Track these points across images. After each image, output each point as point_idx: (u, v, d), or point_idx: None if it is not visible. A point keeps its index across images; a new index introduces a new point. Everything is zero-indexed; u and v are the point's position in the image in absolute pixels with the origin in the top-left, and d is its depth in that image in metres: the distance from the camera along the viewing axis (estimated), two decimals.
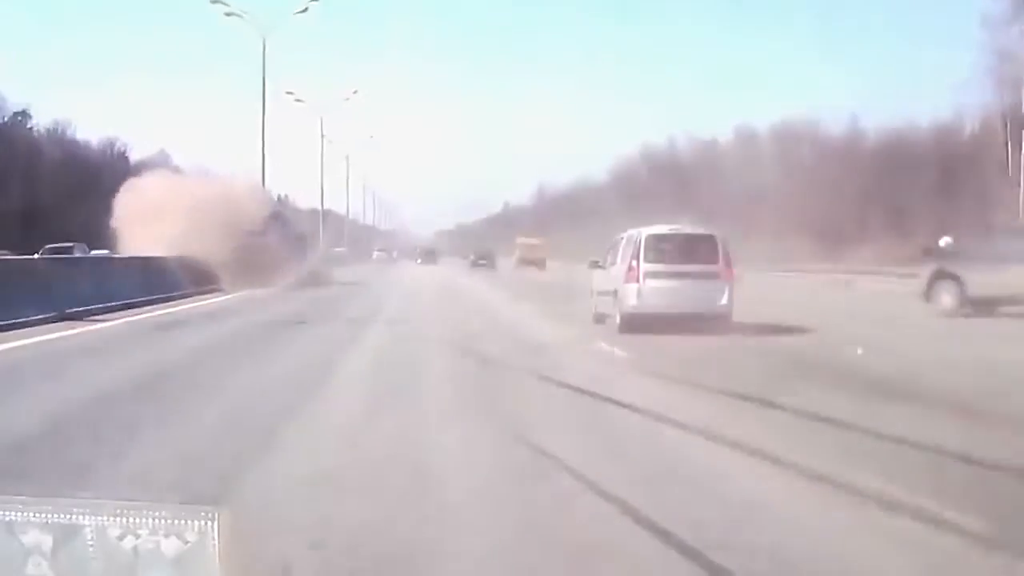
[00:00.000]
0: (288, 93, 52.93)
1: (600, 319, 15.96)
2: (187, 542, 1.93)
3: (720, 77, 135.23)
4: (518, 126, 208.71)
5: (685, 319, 13.97)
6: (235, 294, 24.76)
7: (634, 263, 14.41)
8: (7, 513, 1.92)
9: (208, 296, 24.20)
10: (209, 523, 1.94)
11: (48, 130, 60.22)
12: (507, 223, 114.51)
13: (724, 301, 14.19)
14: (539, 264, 60.44)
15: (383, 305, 22.79)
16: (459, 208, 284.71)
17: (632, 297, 14.34)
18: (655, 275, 14.31)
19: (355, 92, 56.50)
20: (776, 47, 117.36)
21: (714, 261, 14.41)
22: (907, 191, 51.53)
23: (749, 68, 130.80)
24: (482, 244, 74.59)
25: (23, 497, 1.93)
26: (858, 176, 55.81)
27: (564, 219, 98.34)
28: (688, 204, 44.05)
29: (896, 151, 57.91)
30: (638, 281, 14.30)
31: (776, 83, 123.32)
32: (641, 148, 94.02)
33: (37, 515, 1.92)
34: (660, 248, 14.53)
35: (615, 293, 14.81)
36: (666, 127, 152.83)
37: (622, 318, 14.50)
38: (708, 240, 14.72)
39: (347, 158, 74.09)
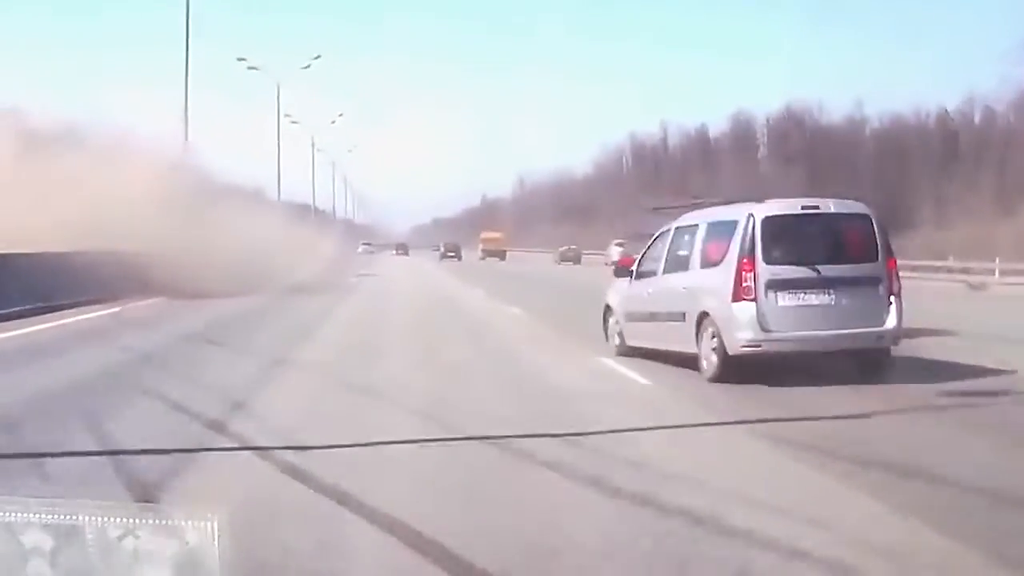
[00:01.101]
0: (240, 60, 50.30)
1: (627, 351, 11.37)
2: (187, 543, 2.06)
3: (713, 62, 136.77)
4: (498, 115, 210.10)
5: (832, 356, 9.77)
6: (148, 303, 19.51)
7: (746, 264, 9.43)
8: (7, 513, 2.03)
9: (92, 310, 17.69)
10: (208, 524, 2.07)
11: None
12: (485, 216, 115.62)
13: (891, 324, 9.51)
14: (500, 255, 71.14)
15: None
16: (437, 202, 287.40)
17: (747, 325, 9.33)
18: (786, 285, 9.40)
19: (317, 57, 54.67)
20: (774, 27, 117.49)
21: (871, 257, 9.59)
22: (915, 178, 52.19)
23: (744, 54, 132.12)
24: (451, 238, 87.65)
25: (23, 497, 2.05)
26: (860, 163, 56.44)
27: (545, 211, 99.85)
28: (682, 194, 44.31)
29: (902, 136, 58.67)
30: (755, 297, 9.35)
31: (775, 67, 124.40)
32: (629, 137, 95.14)
33: (37, 515, 2.03)
34: (789, 239, 9.61)
35: (698, 319, 9.85)
36: (655, 115, 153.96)
37: (725, 359, 9.45)
38: (860, 222, 9.81)
39: (312, 140, 73.51)
